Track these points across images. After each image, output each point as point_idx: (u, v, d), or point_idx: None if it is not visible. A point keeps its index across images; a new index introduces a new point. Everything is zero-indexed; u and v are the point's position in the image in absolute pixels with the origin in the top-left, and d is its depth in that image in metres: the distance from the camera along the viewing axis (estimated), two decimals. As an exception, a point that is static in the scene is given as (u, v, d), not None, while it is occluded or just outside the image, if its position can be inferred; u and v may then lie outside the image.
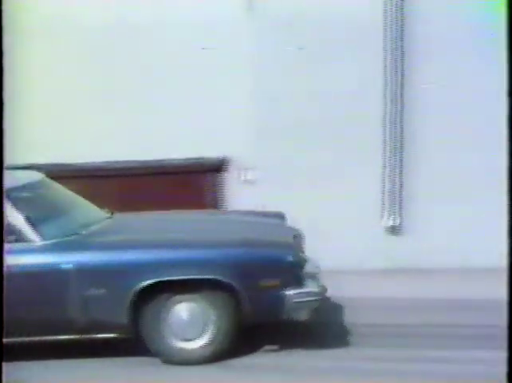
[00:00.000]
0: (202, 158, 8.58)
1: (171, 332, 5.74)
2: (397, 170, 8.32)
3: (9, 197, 5.88)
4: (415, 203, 8.28)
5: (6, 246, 5.48)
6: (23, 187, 6.26)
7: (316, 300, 5.59)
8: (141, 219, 6.89)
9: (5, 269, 5.38)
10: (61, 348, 5.99)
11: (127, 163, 8.60)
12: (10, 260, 5.38)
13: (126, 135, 8.67)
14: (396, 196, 8.33)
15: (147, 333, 5.75)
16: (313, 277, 5.80)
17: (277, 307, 5.60)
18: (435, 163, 8.22)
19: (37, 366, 5.92)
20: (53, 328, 5.86)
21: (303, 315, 5.63)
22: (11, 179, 6.11)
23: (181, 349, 5.76)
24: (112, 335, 5.89)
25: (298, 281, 5.62)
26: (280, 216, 6.93)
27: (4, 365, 3.57)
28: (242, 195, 8.44)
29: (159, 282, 5.64)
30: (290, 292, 5.57)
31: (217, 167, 8.61)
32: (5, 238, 5.64)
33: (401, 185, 8.33)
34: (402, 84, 8.28)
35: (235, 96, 8.51)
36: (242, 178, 8.59)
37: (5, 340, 5.58)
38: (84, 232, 6.11)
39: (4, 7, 3.48)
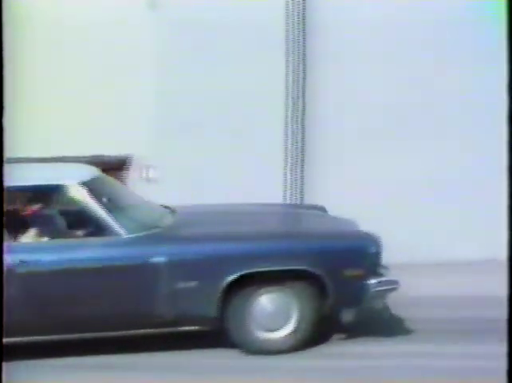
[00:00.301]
0: (103, 156, 8.53)
1: (257, 323, 5.95)
2: (298, 169, 8.70)
3: (88, 189, 5.77)
4: (316, 202, 8.43)
5: (90, 239, 5.49)
6: (96, 181, 6.11)
7: (393, 288, 6.11)
8: (207, 212, 6.85)
9: (86, 263, 5.41)
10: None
11: (25, 160, 8.27)
12: (96, 253, 5.43)
13: (26, 131, 8.36)
14: (298, 195, 8.74)
15: (233, 324, 5.90)
16: (385, 266, 6.33)
17: (360, 296, 6.04)
18: (336, 163, 8.67)
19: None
20: (139, 322, 5.82)
21: (381, 303, 6.13)
22: (78, 171, 6.01)
23: (265, 340, 5.98)
24: (196, 328, 5.94)
25: (378, 270, 6.11)
26: (322, 208, 7.28)
27: (4, 365, 3.55)
28: (143, 193, 8.46)
29: (249, 273, 5.82)
30: (372, 281, 6.02)
31: (118, 166, 8.59)
32: (84, 231, 5.61)
33: (302, 184, 8.72)
34: (304, 85, 8.65)
35: (137, 95, 8.52)
36: (144, 176, 8.64)
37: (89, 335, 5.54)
38: (163, 225, 6.09)
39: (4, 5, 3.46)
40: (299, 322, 6.02)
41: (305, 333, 6.05)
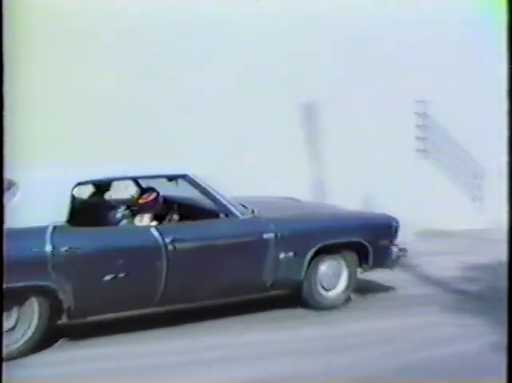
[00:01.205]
0: None
1: (321, 284, 7.50)
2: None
3: (201, 181, 6.95)
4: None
5: (219, 220, 6.77)
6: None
7: (405, 254, 8.08)
8: (261, 202, 7.79)
9: (219, 239, 6.75)
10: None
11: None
12: (227, 231, 6.80)
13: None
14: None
15: (307, 286, 7.44)
16: None
17: (387, 259, 7.84)
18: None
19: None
20: (250, 288, 7.11)
21: (396, 265, 8.07)
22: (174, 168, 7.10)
23: (325, 297, 7.55)
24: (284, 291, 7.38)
25: (395, 240, 8.04)
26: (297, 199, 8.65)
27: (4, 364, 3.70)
28: None
29: (326, 244, 7.41)
30: (395, 248, 7.95)
31: None
32: (206, 213, 6.86)
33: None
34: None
35: None
36: None
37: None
38: (255, 210, 7.30)
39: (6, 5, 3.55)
40: (348, 282, 7.62)
41: (351, 290, 7.67)
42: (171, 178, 6.85)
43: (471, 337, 6.57)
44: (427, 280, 8.69)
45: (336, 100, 11.12)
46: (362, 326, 6.87)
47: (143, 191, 6.90)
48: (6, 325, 5.99)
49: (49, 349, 6.10)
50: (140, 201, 6.77)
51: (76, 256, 6.00)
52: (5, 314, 5.94)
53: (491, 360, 5.75)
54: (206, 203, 6.97)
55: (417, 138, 12.59)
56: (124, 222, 6.64)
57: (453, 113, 12.09)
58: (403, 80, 11.75)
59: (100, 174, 6.69)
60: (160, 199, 6.84)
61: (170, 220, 6.95)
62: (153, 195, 6.78)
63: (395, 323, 6.99)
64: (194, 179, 6.76)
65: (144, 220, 6.73)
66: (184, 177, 6.78)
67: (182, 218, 7.06)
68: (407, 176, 11.53)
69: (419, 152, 12.50)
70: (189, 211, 7.00)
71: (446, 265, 8.63)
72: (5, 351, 5.70)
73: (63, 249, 5.91)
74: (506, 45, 3.66)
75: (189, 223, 6.80)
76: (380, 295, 8.04)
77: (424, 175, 12.14)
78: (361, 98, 11.55)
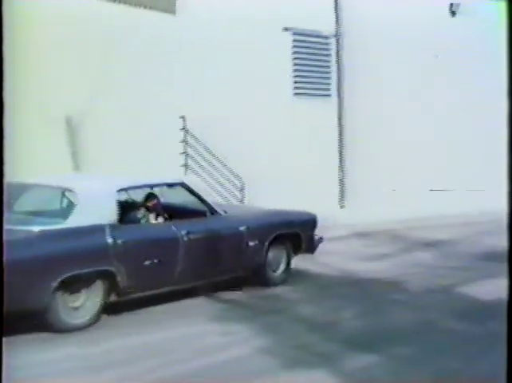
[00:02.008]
0: None
1: (270, 266, 9.75)
2: None
3: (194, 187, 9.06)
4: None
5: (211, 216, 8.98)
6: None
7: (322, 241, 10.53)
8: (239, 207, 9.83)
9: (212, 232, 8.98)
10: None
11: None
12: (217, 225, 9.05)
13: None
14: None
15: (259, 267, 9.63)
16: None
17: (312, 245, 10.10)
18: None
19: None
20: (229, 270, 9.04)
21: (316, 250, 10.49)
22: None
23: (272, 275, 9.74)
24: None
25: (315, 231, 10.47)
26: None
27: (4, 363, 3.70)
28: None
29: (279, 234, 9.66)
30: (317, 237, 10.37)
31: None
32: (198, 212, 9.03)
33: None
34: None
35: None
36: None
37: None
38: (227, 209, 9.36)
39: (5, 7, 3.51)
40: (287, 265, 9.90)
41: (289, 271, 9.95)
42: (171, 185, 8.73)
43: (236, 343, 6.99)
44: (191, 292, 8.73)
45: (97, 115, 12.06)
46: (126, 342, 6.96)
47: (148, 196, 8.72)
48: (76, 303, 7.56)
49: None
50: (148, 204, 8.60)
51: (128, 246, 7.72)
52: (75, 295, 7.53)
53: (258, 363, 6.35)
54: (187, 204, 8.89)
55: (181, 153, 13.92)
56: (143, 221, 8.43)
57: (212, 129, 13.23)
58: (168, 96, 12.82)
59: (129, 183, 8.46)
60: (160, 203, 8.71)
61: (166, 218, 8.77)
62: (156, 200, 8.65)
63: (160, 336, 7.17)
64: (189, 185, 8.71)
65: (151, 219, 8.57)
66: (181, 184, 8.71)
67: (170, 217, 8.90)
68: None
69: (182, 167, 13.79)
70: (173, 211, 8.89)
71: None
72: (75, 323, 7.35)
73: (119, 241, 7.63)
74: (506, 44, 3.60)
75: (193, 220, 8.69)
76: (138, 311, 8.02)
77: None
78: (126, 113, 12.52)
